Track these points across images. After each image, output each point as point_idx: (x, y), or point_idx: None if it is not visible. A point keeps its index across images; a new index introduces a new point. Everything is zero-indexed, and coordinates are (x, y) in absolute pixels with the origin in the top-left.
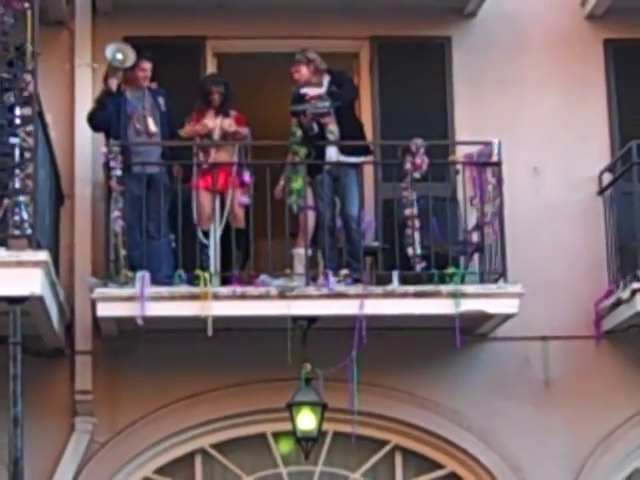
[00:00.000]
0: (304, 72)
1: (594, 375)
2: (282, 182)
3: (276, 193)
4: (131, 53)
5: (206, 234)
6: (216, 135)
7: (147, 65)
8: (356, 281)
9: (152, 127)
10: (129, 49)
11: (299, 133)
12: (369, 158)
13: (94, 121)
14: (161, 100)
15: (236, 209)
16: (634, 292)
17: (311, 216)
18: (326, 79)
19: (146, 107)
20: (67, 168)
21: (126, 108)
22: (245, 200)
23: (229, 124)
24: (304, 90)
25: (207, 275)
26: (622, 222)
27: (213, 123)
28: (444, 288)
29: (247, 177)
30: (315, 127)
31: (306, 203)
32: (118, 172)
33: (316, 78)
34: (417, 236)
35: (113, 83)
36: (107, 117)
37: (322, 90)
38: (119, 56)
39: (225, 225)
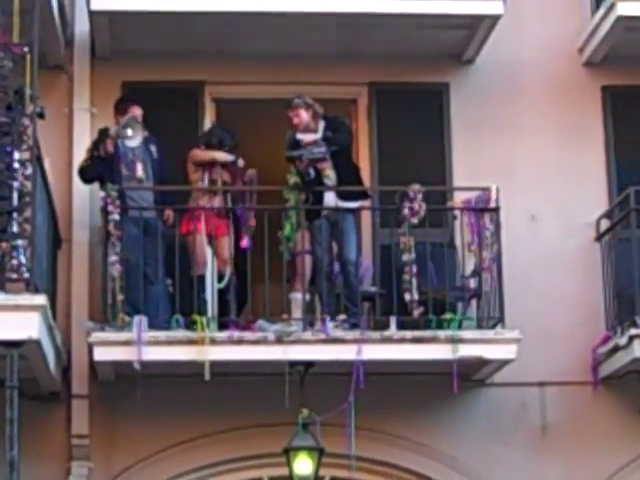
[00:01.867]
0: (304, 116)
1: (591, 421)
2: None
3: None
4: (140, 134)
5: (202, 279)
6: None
7: (138, 111)
8: (354, 326)
9: (140, 173)
10: (140, 130)
11: (292, 180)
12: (367, 202)
13: (85, 177)
14: (153, 148)
15: (225, 254)
16: (632, 338)
17: (308, 260)
18: (321, 124)
19: (136, 154)
20: (65, 212)
21: (119, 155)
22: (246, 243)
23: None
24: (300, 136)
25: (204, 320)
26: (620, 268)
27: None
28: (442, 334)
29: (245, 242)
30: (312, 172)
31: (303, 248)
32: (116, 216)
33: (314, 123)
34: (415, 281)
35: (109, 147)
36: (97, 172)
37: (317, 136)
38: (129, 132)
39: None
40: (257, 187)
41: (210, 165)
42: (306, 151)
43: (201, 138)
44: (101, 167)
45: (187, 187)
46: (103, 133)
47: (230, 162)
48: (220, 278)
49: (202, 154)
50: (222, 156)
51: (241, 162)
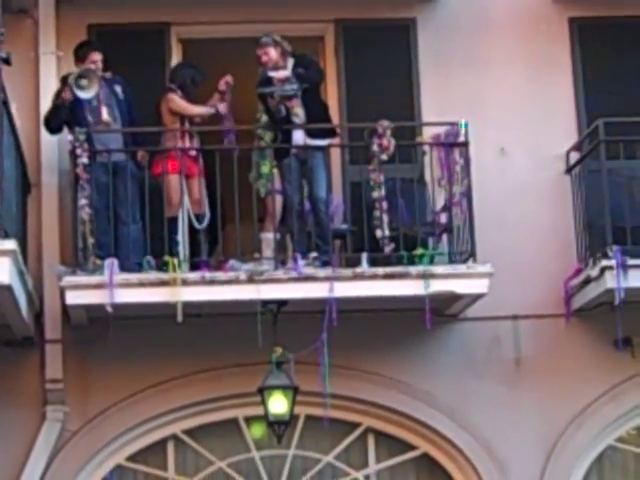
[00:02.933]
0: (273, 54)
1: (565, 353)
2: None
3: (251, 179)
4: (95, 86)
5: (175, 221)
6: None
7: (97, 56)
8: (325, 264)
9: (105, 116)
10: (96, 81)
11: (264, 118)
12: (336, 140)
13: (50, 126)
14: (118, 88)
15: (197, 195)
16: (603, 270)
17: (278, 199)
18: (290, 62)
19: (100, 98)
20: (33, 156)
21: (82, 103)
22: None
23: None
24: (271, 73)
25: (176, 261)
26: (590, 200)
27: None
28: (413, 269)
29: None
30: (283, 110)
31: (273, 187)
32: (84, 160)
33: (282, 61)
34: (385, 218)
35: (67, 95)
36: (61, 122)
37: (289, 73)
38: (84, 82)
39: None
40: (228, 127)
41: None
42: (277, 88)
43: (174, 81)
44: (64, 116)
45: (156, 128)
46: (63, 81)
47: (211, 113)
48: (196, 219)
49: (183, 106)
50: (201, 110)
51: (222, 107)
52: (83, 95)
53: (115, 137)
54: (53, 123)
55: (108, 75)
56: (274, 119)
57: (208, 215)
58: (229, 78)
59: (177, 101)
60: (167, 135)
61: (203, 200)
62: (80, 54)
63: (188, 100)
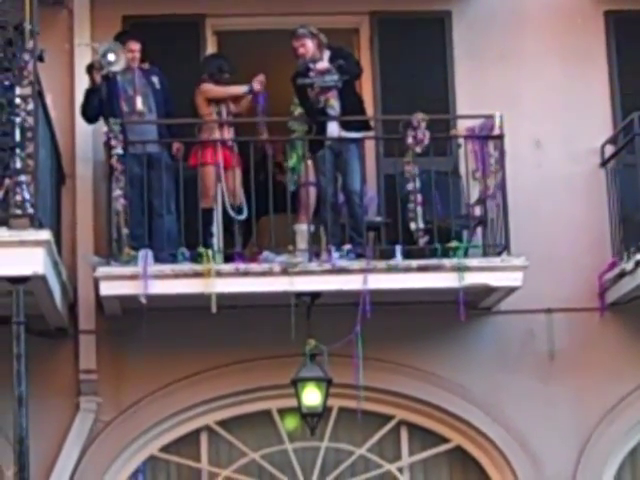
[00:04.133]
0: (310, 46)
1: (599, 347)
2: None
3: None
4: (123, 57)
5: (210, 212)
6: (224, 115)
7: (135, 46)
8: (359, 256)
9: (139, 106)
10: (123, 53)
11: (297, 111)
12: (370, 133)
13: (86, 114)
14: (155, 79)
15: (236, 187)
16: (638, 263)
17: (312, 192)
18: (326, 54)
19: (137, 87)
20: (68, 147)
21: (118, 93)
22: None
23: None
24: (313, 64)
25: (210, 252)
26: (625, 194)
27: (237, 89)
28: (447, 262)
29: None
30: (322, 101)
31: (307, 179)
32: (119, 151)
33: (319, 53)
34: (420, 210)
35: (97, 77)
36: (96, 110)
37: (328, 64)
38: (111, 57)
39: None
40: (262, 118)
41: (222, 99)
42: (318, 79)
43: (204, 71)
44: (97, 101)
45: (191, 120)
46: (89, 70)
47: (246, 92)
48: (235, 210)
49: (217, 90)
50: (237, 90)
51: (257, 85)
52: (113, 69)
53: (150, 128)
54: (88, 110)
55: (146, 66)
56: (311, 110)
57: (246, 206)
58: (262, 77)
59: (211, 88)
60: (203, 126)
61: (239, 191)
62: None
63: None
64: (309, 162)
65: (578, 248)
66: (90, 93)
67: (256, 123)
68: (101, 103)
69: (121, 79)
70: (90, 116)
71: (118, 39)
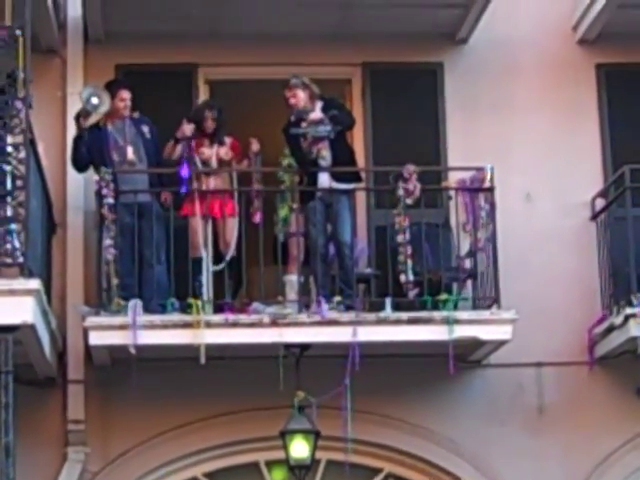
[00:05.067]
0: (301, 97)
1: (588, 401)
2: (257, 204)
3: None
4: (107, 99)
5: (200, 261)
6: (213, 164)
7: (126, 95)
8: (349, 308)
9: (130, 156)
10: (106, 95)
11: (285, 162)
12: (361, 185)
13: (76, 162)
14: (145, 128)
15: (229, 237)
16: (627, 317)
17: (301, 243)
18: (318, 105)
19: (127, 137)
20: (59, 196)
21: (108, 142)
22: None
23: (225, 152)
24: (305, 114)
25: (200, 303)
26: (615, 247)
27: (209, 152)
28: (437, 314)
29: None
30: (314, 151)
31: (297, 229)
32: (110, 200)
33: (310, 104)
34: (410, 262)
35: (85, 124)
36: (85, 158)
37: (322, 114)
38: (94, 100)
39: (217, 254)
40: (254, 168)
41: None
42: (311, 129)
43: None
44: (86, 150)
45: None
46: (76, 117)
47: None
48: (221, 260)
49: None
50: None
51: (255, 146)
52: (99, 111)
53: (141, 177)
54: (77, 160)
55: (136, 115)
56: (303, 161)
57: (228, 258)
58: (255, 147)
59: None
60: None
61: (232, 241)
62: (109, 92)
63: (203, 136)
64: (299, 213)
65: (568, 302)
66: (77, 141)
67: (250, 173)
68: (90, 152)
69: (111, 128)
70: (79, 165)
71: (109, 88)
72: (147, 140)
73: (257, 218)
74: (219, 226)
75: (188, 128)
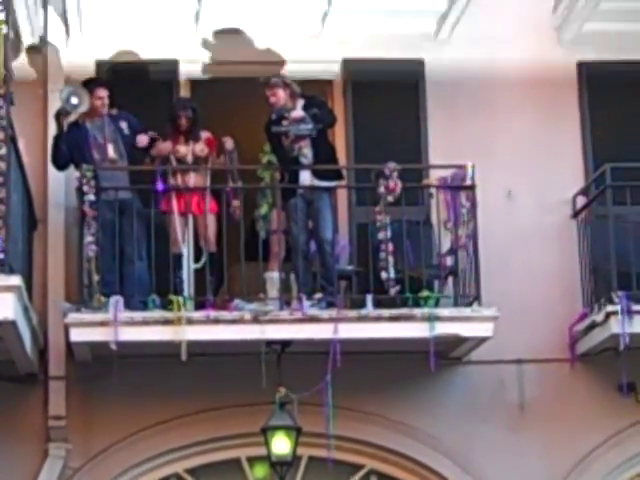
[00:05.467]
0: (281, 95)
1: (569, 398)
2: (237, 202)
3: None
4: (86, 98)
5: (180, 258)
6: (189, 160)
7: (103, 93)
8: (330, 305)
9: (111, 154)
10: (85, 94)
11: (265, 159)
12: (342, 182)
13: (56, 161)
14: (123, 124)
15: (209, 233)
16: (608, 315)
17: (282, 240)
18: (300, 103)
19: (106, 135)
20: (40, 193)
21: (88, 140)
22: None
23: (201, 149)
24: (287, 112)
25: (181, 300)
26: (596, 245)
27: (185, 149)
28: (418, 312)
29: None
30: (296, 149)
31: (278, 226)
32: (91, 197)
33: (291, 102)
34: (391, 260)
35: (64, 123)
36: (65, 156)
37: (303, 112)
38: (74, 100)
39: (199, 250)
40: (232, 166)
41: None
42: (293, 127)
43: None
44: (66, 148)
45: (163, 167)
46: (56, 116)
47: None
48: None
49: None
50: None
51: (229, 143)
52: (79, 110)
53: (122, 174)
54: (58, 158)
55: (114, 112)
56: (285, 158)
57: (205, 255)
58: (229, 145)
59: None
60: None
61: (212, 237)
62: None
63: (177, 134)
64: (280, 210)
65: (549, 299)
66: (57, 140)
67: (228, 171)
68: (70, 150)
69: (90, 126)
70: (60, 163)
71: (86, 86)
72: (126, 136)
73: (237, 215)
74: (199, 223)
75: (164, 147)
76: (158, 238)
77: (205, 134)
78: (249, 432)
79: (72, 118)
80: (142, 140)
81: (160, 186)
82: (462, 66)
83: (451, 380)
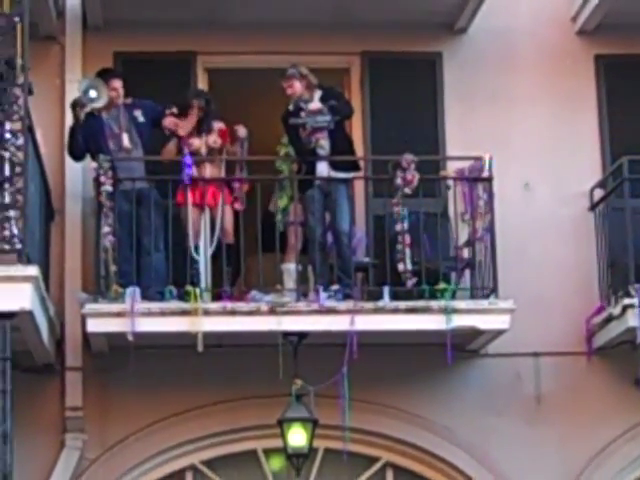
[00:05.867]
0: (297, 87)
1: (586, 391)
2: (241, 194)
3: (271, 208)
4: (105, 93)
5: (197, 249)
6: (203, 153)
7: (117, 83)
8: (347, 297)
9: (126, 143)
10: (104, 89)
11: (283, 151)
12: (359, 174)
13: (72, 151)
14: (137, 112)
15: (226, 225)
16: (625, 308)
17: (299, 231)
18: (317, 94)
19: (121, 124)
20: (57, 183)
21: (104, 130)
22: (239, 206)
23: (214, 140)
24: (305, 104)
25: (198, 291)
26: (613, 238)
27: (199, 142)
28: (435, 304)
29: (238, 205)
30: (313, 141)
31: (295, 218)
32: (108, 187)
33: (308, 93)
34: (408, 252)
35: (81, 114)
36: (81, 147)
37: (320, 104)
38: (92, 93)
39: (216, 241)
40: (250, 157)
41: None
42: (310, 119)
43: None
44: (82, 139)
45: (178, 158)
46: (73, 107)
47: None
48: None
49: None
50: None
51: (242, 131)
52: (96, 105)
53: (138, 164)
54: (74, 148)
55: (129, 101)
56: (302, 150)
57: (214, 243)
58: (242, 132)
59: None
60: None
61: (228, 228)
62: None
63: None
64: (297, 202)
65: (566, 292)
66: (74, 130)
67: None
68: (86, 140)
69: (106, 116)
70: (76, 154)
71: (100, 76)
72: (140, 124)
73: (238, 205)
74: (215, 214)
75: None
76: (175, 229)
77: (218, 125)
78: (265, 424)
79: (88, 109)
80: (170, 123)
81: (187, 173)
82: (480, 58)
83: (467, 373)
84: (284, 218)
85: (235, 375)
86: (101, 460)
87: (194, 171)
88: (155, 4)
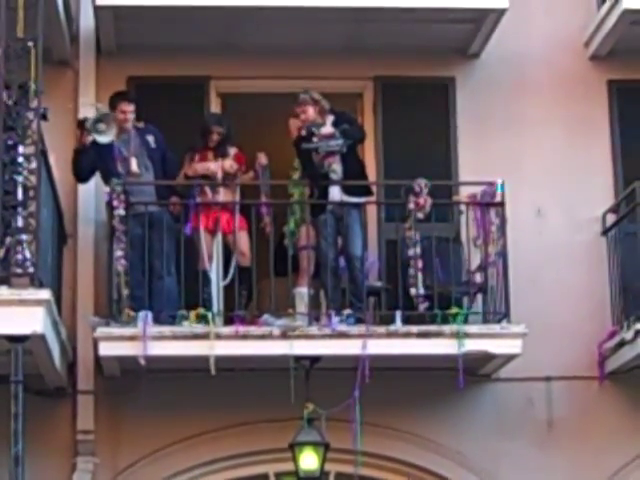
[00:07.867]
0: (310, 113)
1: (598, 416)
2: (267, 219)
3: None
4: (113, 130)
5: (206, 275)
6: (219, 177)
7: (127, 107)
8: (359, 321)
9: (134, 168)
10: (114, 125)
11: (295, 175)
12: (372, 198)
13: (76, 173)
14: (150, 137)
15: (242, 247)
16: (638, 333)
17: (311, 255)
18: (329, 119)
19: (131, 148)
20: (70, 207)
21: (113, 153)
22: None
23: (230, 165)
24: (315, 129)
25: (210, 315)
26: (626, 263)
27: (215, 165)
28: (447, 328)
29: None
30: (326, 165)
31: (308, 242)
32: (121, 211)
33: (320, 119)
34: (420, 276)
35: (85, 139)
36: (86, 170)
37: (332, 129)
38: (101, 127)
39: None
40: (263, 181)
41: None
42: (323, 143)
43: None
44: (86, 162)
45: (190, 182)
46: (80, 125)
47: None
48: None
49: (196, 169)
50: (212, 166)
51: (263, 159)
52: (101, 139)
53: (148, 187)
54: (78, 170)
55: (141, 125)
56: (314, 175)
57: (232, 270)
58: (263, 160)
59: (192, 167)
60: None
61: (245, 251)
62: (113, 104)
63: (206, 150)
64: (309, 226)
65: (578, 316)
66: (78, 152)
67: (258, 187)
68: (95, 164)
69: (116, 140)
70: (80, 176)
71: (114, 99)
72: (152, 149)
73: (268, 231)
74: (229, 240)
75: (200, 167)
76: (187, 253)
77: (233, 150)
78: (277, 447)
79: (91, 139)
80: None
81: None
82: (492, 83)
83: (479, 397)
84: (293, 241)
85: (247, 399)
86: None
87: (208, 196)
88: (168, 29)
